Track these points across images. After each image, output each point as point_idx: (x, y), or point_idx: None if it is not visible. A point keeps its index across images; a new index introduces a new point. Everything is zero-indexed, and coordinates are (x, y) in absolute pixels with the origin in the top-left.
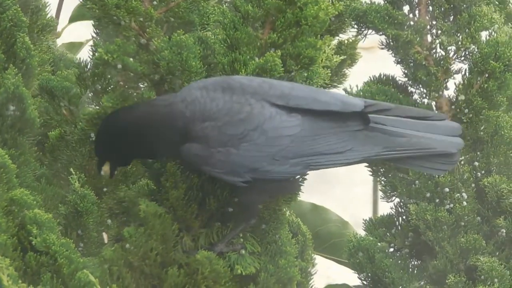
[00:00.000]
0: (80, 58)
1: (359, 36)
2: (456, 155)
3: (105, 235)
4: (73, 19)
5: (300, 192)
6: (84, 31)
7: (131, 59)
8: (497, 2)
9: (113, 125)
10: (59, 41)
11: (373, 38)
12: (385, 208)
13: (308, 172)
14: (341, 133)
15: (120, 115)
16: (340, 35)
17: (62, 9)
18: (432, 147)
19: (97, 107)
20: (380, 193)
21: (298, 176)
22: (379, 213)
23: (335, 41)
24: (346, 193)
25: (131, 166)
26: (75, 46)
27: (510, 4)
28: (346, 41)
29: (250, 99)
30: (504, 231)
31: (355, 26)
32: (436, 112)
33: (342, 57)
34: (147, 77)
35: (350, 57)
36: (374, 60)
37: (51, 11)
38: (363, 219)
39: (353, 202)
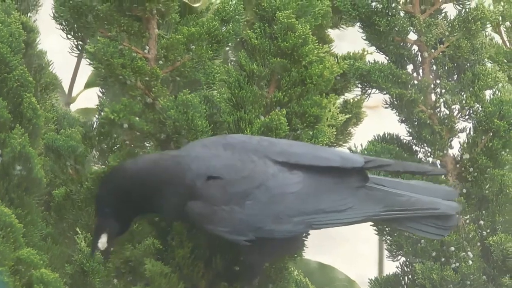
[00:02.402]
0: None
1: (364, 95)
2: (453, 219)
3: None
4: (89, 85)
5: (305, 250)
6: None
7: (137, 118)
8: (505, 61)
9: (118, 177)
10: (74, 106)
11: (377, 97)
12: (391, 266)
13: (309, 231)
14: (342, 190)
15: (125, 166)
16: (345, 94)
17: (78, 74)
18: (432, 207)
19: (103, 166)
20: (385, 252)
21: (303, 235)
22: (385, 272)
23: (340, 100)
24: (351, 251)
25: (137, 225)
26: (89, 112)
27: None
28: (351, 100)
29: (252, 156)
30: None
31: (359, 85)
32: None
33: (347, 116)
34: (153, 136)
35: (355, 115)
36: (378, 119)
37: (55, 69)
38: (369, 279)
39: (359, 260)
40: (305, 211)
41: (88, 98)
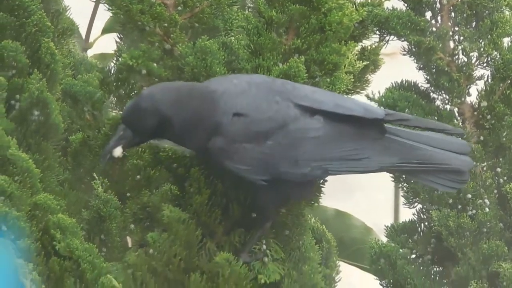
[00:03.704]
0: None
1: (382, 42)
2: (466, 174)
3: (128, 240)
4: (106, 30)
5: (321, 197)
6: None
7: (156, 64)
8: None
9: (155, 97)
10: (91, 52)
11: (395, 44)
12: (407, 214)
13: (326, 177)
14: (361, 140)
15: (163, 87)
16: (363, 41)
17: (95, 20)
18: (446, 163)
19: (121, 112)
20: (402, 199)
21: (319, 180)
22: (400, 219)
23: (358, 47)
24: (367, 199)
25: (154, 171)
26: (106, 57)
27: None
28: (369, 47)
29: (277, 97)
30: None
31: (377, 32)
32: (458, 118)
33: (365, 63)
34: None
35: (373, 63)
36: (396, 66)
37: (72, 15)
38: (385, 226)
39: (375, 208)
40: (323, 157)
41: (105, 44)
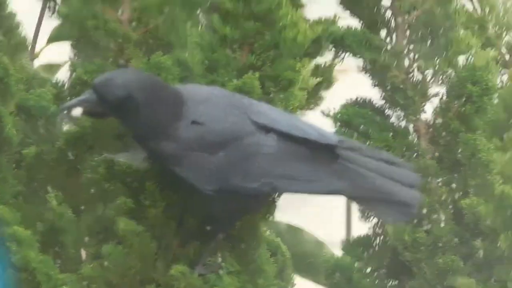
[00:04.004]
0: (57, 78)
1: (336, 60)
2: (413, 208)
3: (83, 253)
4: (52, 40)
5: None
6: (62, 52)
7: None
8: (476, 27)
9: (132, 74)
10: (37, 62)
11: (347, 61)
12: (359, 227)
13: (275, 194)
14: (312, 162)
15: (143, 73)
16: (317, 58)
17: (41, 30)
18: (395, 194)
19: (75, 127)
20: (354, 213)
21: (273, 195)
22: (352, 233)
23: (311, 64)
24: (319, 211)
25: (109, 185)
26: (53, 68)
27: (489, 29)
28: (322, 64)
29: (234, 110)
30: (482, 252)
31: (333, 50)
32: (413, 134)
33: (318, 80)
34: None
35: (326, 80)
36: (349, 82)
37: (28, 31)
38: (341, 240)
39: (326, 221)
40: (274, 174)
41: (50, 53)
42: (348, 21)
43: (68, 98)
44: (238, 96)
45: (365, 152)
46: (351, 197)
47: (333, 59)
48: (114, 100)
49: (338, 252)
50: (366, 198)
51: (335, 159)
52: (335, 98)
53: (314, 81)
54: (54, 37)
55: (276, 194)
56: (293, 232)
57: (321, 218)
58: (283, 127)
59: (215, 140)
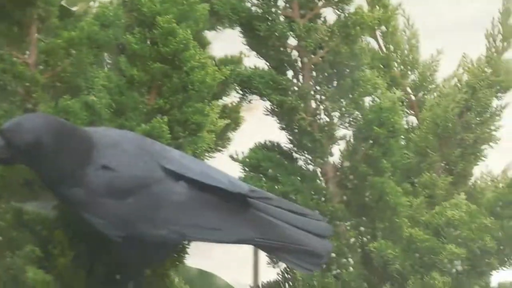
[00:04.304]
0: None
1: (244, 102)
2: (324, 258)
3: None
4: None
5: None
6: None
7: None
8: (381, 66)
9: (40, 119)
10: None
11: (255, 99)
12: (267, 271)
13: (183, 241)
14: (222, 211)
15: (51, 117)
16: (223, 98)
17: None
18: (304, 244)
19: None
20: (262, 257)
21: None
22: (260, 277)
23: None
24: (227, 255)
25: (17, 233)
26: None
27: (394, 68)
28: (229, 105)
29: (145, 156)
30: None
31: (240, 92)
32: (321, 178)
33: (226, 121)
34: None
35: (233, 120)
36: (256, 121)
37: None
38: (250, 286)
39: (234, 265)
40: (182, 222)
41: None
42: (255, 60)
43: None
44: (150, 141)
45: (276, 203)
46: (260, 246)
47: (240, 101)
48: (22, 145)
49: None
50: (276, 248)
51: (246, 208)
52: (242, 137)
53: (222, 123)
54: None
55: (186, 242)
56: (204, 277)
57: (229, 262)
58: (194, 175)
59: (124, 187)
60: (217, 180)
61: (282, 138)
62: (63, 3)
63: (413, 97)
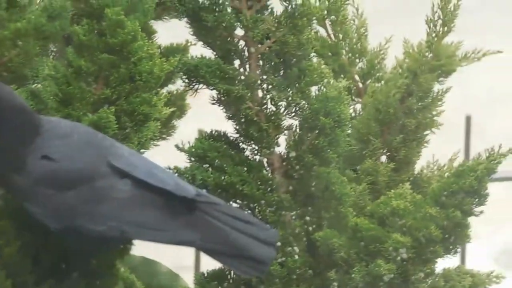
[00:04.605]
0: None
1: (190, 92)
2: (267, 265)
3: None
4: None
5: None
6: None
7: None
8: (330, 54)
9: None
10: None
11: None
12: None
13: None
14: (165, 211)
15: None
16: (169, 85)
17: None
18: (248, 250)
19: None
20: None
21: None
22: (202, 260)
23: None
24: None
25: None
26: None
27: (343, 56)
28: (175, 92)
29: (92, 150)
30: (336, 284)
31: (186, 80)
32: (267, 168)
33: (172, 109)
34: None
35: (179, 108)
36: (197, 106)
37: None
38: (195, 274)
39: (175, 249)
40: (123, 220)
41: None
42: (202, 50)
43: None
44: (100, 136)
45: (223, 208)
46: (202, 249)
47: (185, 88)
48: None
49: (188, 277)
50: (218, 251)
51: (191, 211)
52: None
53: (168, 111)
54: None
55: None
56: (148, 264)
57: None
58: (140, 174)
59: (65, 179)
60: (163, 182)
61: (226, 127)
62: None
63: (360, 85)
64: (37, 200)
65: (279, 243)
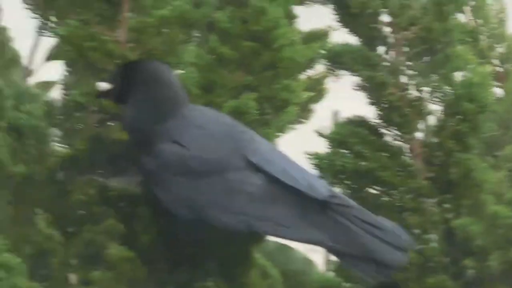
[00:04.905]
0: (50, 96)
1: (327, 73)
2: (393, 270)
3: (72, 277)
4: (48, 59)
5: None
6: (58, 70)
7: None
8: (470, 39)
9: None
10: (32, 80)
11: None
12: None
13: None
14: (296, 209)
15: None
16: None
17: (38, 48)
18: (378, 254)
19: (67, 147)
20: None
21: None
22: None
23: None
24: None
25: (98, 208)
26: (47, 85)
27: (481, 41)
28: (313, 77)
29: (229, 143)
30: (473, 271)
31: (328, 66)
32: (408, 154)
33: (311, 94)
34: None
35: (317, 92)
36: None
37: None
38: (329, 259)
39: None
40: (252, 213)
41: (48, 71)
42: (341, 34)
43: (60, 117)
44: (241, 130)
45: (356, 213)
46: (330, 250)
47: (326, 73)
48: (117, 79)
49: (317, 258)
50: (347, 254)
51: (322, 210)
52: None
53: (306, 95)
54: (51, 56)
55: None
56: (283, 251)
57: None
58: (274, 171)
59: (197, 168)
60: (296, 180)
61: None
62: None
63: (500, 69)
64: (165, 186)
65: (417, 231)
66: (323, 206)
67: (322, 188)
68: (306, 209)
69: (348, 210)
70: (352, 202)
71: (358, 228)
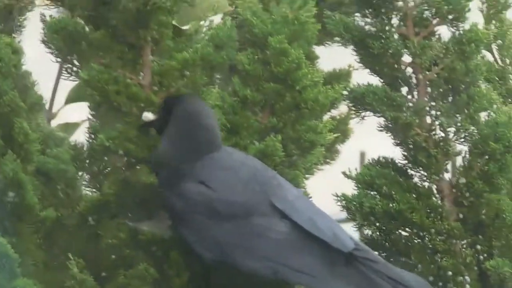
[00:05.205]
0: (75, 140)
1: (358, 119)
2: None
3: None
4: (69, 101)
5: None
6: (78, 111)
7: (133, 145)
8: (497, 78)
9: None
10: (54, 122)
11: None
12: None
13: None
14: (322, 259)
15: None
16: (331, 111)
17: (58, 90)
18: None
19: (96, 191)
20: None
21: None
22: None
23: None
24: None
25: (130, 251)
26: (70, 127)
27: (510, 81)
28: (338, 117)
29: (254, 186)
30: None
31: (353, 108)
32: (437, 195)
33: (336, 135)
34: (147, 162)
35: (342, 133)
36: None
37: (44, 91)
38: None
39: None
40: (278, 260)
41: (67, 113)
42: (368, 78)
43: (87, 161)
44: (270, 174)
45: (380, 267)
46: None
47: (350, 114)
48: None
49: None
50: None
51: (348, 260)
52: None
53: (332, 136)
54: (72, 98)
55: None
56: None
57: None
58: (300, 220)
59: (222, 210)
60: (322, 231)
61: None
62: (174, 22)
63: None
64: (189, 225)
65: (450, 273)
66: (348, 257)
67: (347, 240)
68: (331, 260)
69: (372, 264)
70: (377, 257)
71: (383, 282)
